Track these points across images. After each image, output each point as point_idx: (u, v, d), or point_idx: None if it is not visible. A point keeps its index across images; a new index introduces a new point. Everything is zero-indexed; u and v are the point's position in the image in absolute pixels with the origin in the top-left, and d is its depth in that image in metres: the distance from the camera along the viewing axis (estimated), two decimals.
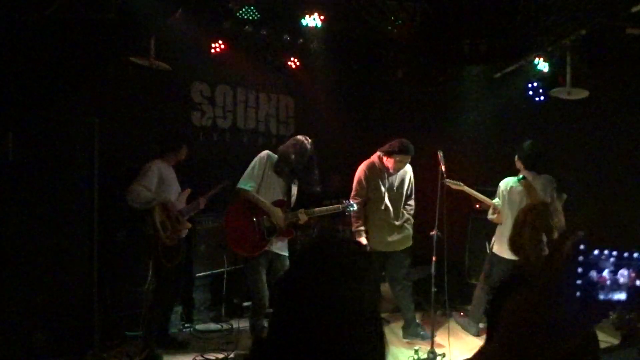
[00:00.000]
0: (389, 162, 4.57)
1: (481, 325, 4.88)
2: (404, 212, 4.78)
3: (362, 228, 4.61)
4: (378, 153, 4.68)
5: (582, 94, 4.83)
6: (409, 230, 4.78)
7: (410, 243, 4.77)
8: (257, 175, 4.14)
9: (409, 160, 4.61)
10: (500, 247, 4.46)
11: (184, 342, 4.50)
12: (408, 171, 4.78)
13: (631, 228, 5.21)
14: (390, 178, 4.69)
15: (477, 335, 4.74)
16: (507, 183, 4.56)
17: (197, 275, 5.03)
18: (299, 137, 4.26)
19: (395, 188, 4.70)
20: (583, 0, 4.40)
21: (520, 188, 4.47)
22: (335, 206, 4.51)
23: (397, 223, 4.69)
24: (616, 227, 5.34)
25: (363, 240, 4.55)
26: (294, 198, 4.38)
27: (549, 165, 4.73)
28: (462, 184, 4.67)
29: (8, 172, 3.62)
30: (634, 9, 4.10)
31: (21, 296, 3.66)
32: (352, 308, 1.09)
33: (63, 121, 3.96)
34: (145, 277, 4.19)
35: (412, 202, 4.84)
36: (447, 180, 4.29)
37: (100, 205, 3.98)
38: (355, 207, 4.55)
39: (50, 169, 3.82)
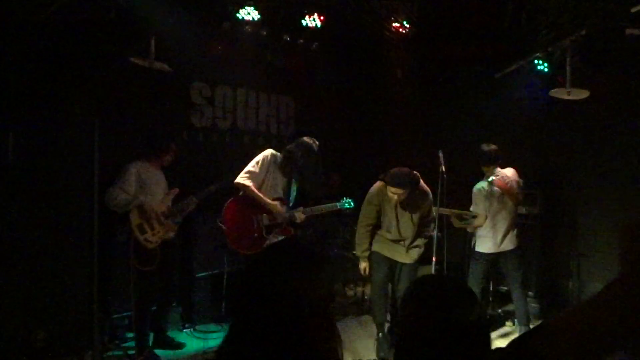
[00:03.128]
0: (389, 190, 4.21)
1: None
2: (418, 238, 4.43)
3: (365, 254, 4.42)
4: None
5: (582, 94, 4.83)
6: (418, 250, 4.47)
7: (415, 257, 4.46)
8: (259, 174, 4.13)
9: (403, 192, 4.11)
10: (481, 245, 4.73)
11: (182, 343, 4.50)
12: (426, 197, 4.38)
13: None
14: (402, 202, 4.26)
15: None
16: (479, 188, 4.72)
17: (197, 275, 5.03)
18: (306, 138, 4.26)
19: (406, 213, 4.32)
20: (583, 0, 4.40)
21: (493, 188, 4.63)
22: (332, 204, 4.54)
23: (405, 247, 4.41)
24: (617, 226, 5.34)
25: (362, 265, 4.43)
26: (293, 196, 4.39)
27: (510, 159, 4.86)
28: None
29: (8, 172, 3.62)
30: (634, 9, 4.10)
31: (21, 296, 3.66)
32: (302, 305, 1.11)
33: (63, 121, 3.96)
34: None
35: (429, 229, 4.46)
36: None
37: (100, 205, 3.98)
38: (352, 205, 4.56)
39: (50, 169, 3.82)
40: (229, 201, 4.22)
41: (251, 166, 4.16)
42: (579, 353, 0.90)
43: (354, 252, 5.57)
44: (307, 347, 1.10)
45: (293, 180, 4.33)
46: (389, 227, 4.39)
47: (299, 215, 4.25)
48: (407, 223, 4.34)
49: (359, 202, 5.01)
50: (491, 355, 1.21)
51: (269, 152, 4.24)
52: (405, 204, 4.27)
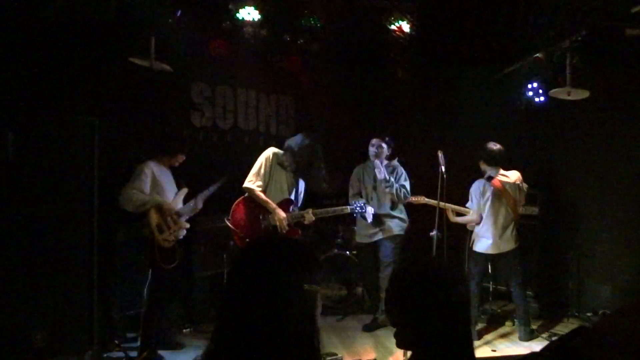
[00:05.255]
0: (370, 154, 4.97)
1: (478, 327, 4.89)
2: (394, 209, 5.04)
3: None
4: None
5: (582, 94, 4.83)
6: (395, 220, 5.01)
7: (394, 231, 4.99)
8: (264, 174, 4.18)
9: (381, 145, 4.92)
10: (479, 245, 4.79)
11: (183, 342, 4.50)
12: (397, 169, 5.07)
13: (630, 227, 5.21)
14: (376, 173, 4.93)
15: (477, 338, 4.73)
16: (477, 186, 4.79)
17: (197, 275, 5.03)
18: (302, 132, 4.37)
19: (381, 183, 4.92)
20: (583, 0, 4.40)
21: (491, 188, 4.68)
22: (343, 207, 4.52)
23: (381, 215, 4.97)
24: (616, 226, 5.34)
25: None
26: (302, 196, 4.40)
27: (509, 159, 4.90)
28: (424, 198, 4.89)
29: (8, 172, 3.62)
30: (634, 10, 4.09)
31: (21, 296, 3.66)
32: (290, 303, 1.12)
33: (63, 121, 3.96)
34: (145, 277, 4.20)
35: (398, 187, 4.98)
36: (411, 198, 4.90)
37: (100, 205, 3.98)
38: (365, 209, 4.54)
39: (50, 169, 3.82)
40: (238, 200, 4.26)
41: (256, 169, 4.22)
42: (627, 356, 0.88)
43: (354, 252, 5.59)
44: (289, 343, 1.10)
45: (300, 178, 4.34)
46: (367, 198, 5.03)
47: (308, 217, 4.22)
48: (382, 193, 4.99)
49: None
50: None
51: (270, 151, 4.28)
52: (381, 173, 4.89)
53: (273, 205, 4.15)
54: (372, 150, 4.94)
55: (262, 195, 4.15)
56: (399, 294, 1.40)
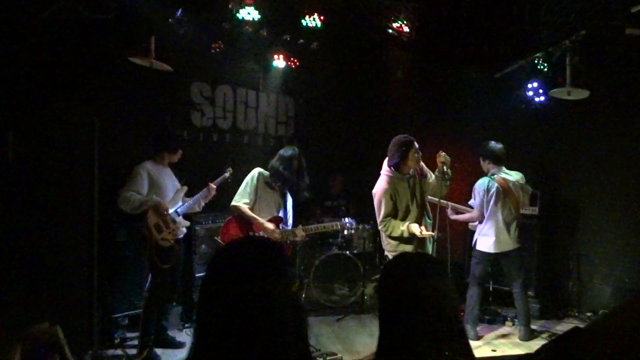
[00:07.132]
0: (409, 162, 4.03)
1: (478, 327, 4.89)
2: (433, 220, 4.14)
3: (408, 226, 3.98)
4: (386, 169, 4.13)
5: (582, 94, 4.83)
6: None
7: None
8: (250, 193, 4.26)
9: (419, 151, 4.05)
10: (482, 244, 4.75)
11: (182, 342, 4.50)
12: (428, 176, 4.22)
13: (630, 227, 5.21)
14: (412, 182, 4.16)
15: (477, 339, 4.74)
16: (482, 184, 4.77)
17: (197, 275, 5.03)
18: (282, 150, 4.39)
19: (419, 191, 4.17)
20: (583, 0, 4.40)
21: (496, 186, 4.67)
22: (334, 223, 4.59)
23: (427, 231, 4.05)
24: (616, 226, 5.34)
25: (414, 229, 3.94)
26: (290, 214, 4.44)
27: (510, 159, 4.90)
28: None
29: (8, 172, 3.62)
30: (634, 9, 4.10)
31: (21, 296, 3.66)
32: (268, 298, 1.13)
33: (63, 121, 3.96)
34: (145, 277, 4.21)
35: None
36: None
37: (100, 205, 3.98)
38: (354, 225, 4.61)
39: (50, 169, 3.82)
40: (228, 219, 4.35)
41: (242, 188, 4.31)
42: (622, 356, 0.88)
43: (354, 251, 5.60)
44: (272, 341, 1.11)
45: (287, 196, 4.37)
46: (406, 211, 4.08)
47: (299, 233, 4.32)
48: (420, 209, 4.14)
49: (359, 202, 4.99)
50: None
51: (256, 171, 4.37)
52: (417, 188, 4.14)
53: (260, 220, 4.21)
54: (416, 156, 4.05)
55: (248, 212, 4.21)
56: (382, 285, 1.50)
